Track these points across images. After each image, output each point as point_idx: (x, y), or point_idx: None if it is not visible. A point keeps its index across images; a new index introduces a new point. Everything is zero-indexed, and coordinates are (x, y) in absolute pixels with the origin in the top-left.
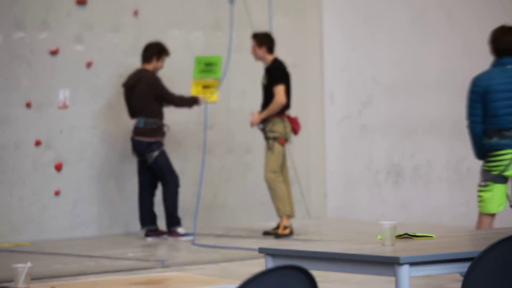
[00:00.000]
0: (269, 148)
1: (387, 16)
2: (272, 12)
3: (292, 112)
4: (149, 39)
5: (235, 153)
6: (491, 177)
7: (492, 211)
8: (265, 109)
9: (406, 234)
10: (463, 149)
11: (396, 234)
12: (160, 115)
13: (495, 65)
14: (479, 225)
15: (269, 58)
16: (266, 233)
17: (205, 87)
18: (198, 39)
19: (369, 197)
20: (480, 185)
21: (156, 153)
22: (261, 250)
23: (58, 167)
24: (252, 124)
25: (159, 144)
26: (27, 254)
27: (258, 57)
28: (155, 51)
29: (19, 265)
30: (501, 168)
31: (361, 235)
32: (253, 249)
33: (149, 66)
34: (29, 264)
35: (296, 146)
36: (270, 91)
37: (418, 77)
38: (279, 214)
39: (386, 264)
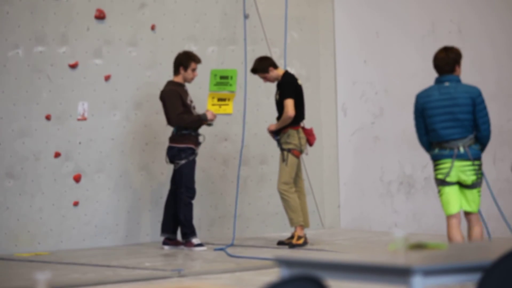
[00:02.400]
0: (283, 159)
1: (399, 30)
2: (286, 26)
3: (305, 124)
4: (166, 53)
5: (250, 164)
6: (439, 182)
7: (453, 212)
8: (278, 122)
9: (418, 244)
10: None
11: (408, 244)
12: None
13: (435, 82)
14: (448, 227)
15: (279, 73)
16: (281, 243)
17: (221, 99)
18: (213, 53)
19: (381, 208)
20: (438, 191)
21: (183, 162)
22: (276, 260)
23: (77, 178)
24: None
25: (189, 152)
26: (46, 264)
27: (273, 80)
28: (180, 62)
29: (38, 275)
30: (442, 176)
31: (374, 245)
32: (268, 259)
33: (178, 78)
34: (48, 274)
35: (310, 157)
36: (282, 105)
37: None
38: (292, 224)
39: (399, 273)
